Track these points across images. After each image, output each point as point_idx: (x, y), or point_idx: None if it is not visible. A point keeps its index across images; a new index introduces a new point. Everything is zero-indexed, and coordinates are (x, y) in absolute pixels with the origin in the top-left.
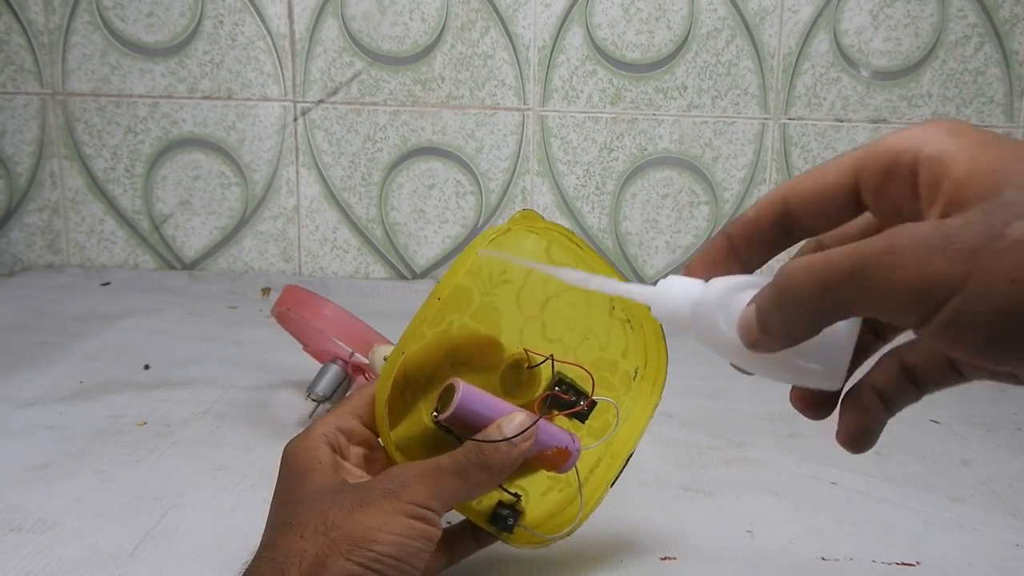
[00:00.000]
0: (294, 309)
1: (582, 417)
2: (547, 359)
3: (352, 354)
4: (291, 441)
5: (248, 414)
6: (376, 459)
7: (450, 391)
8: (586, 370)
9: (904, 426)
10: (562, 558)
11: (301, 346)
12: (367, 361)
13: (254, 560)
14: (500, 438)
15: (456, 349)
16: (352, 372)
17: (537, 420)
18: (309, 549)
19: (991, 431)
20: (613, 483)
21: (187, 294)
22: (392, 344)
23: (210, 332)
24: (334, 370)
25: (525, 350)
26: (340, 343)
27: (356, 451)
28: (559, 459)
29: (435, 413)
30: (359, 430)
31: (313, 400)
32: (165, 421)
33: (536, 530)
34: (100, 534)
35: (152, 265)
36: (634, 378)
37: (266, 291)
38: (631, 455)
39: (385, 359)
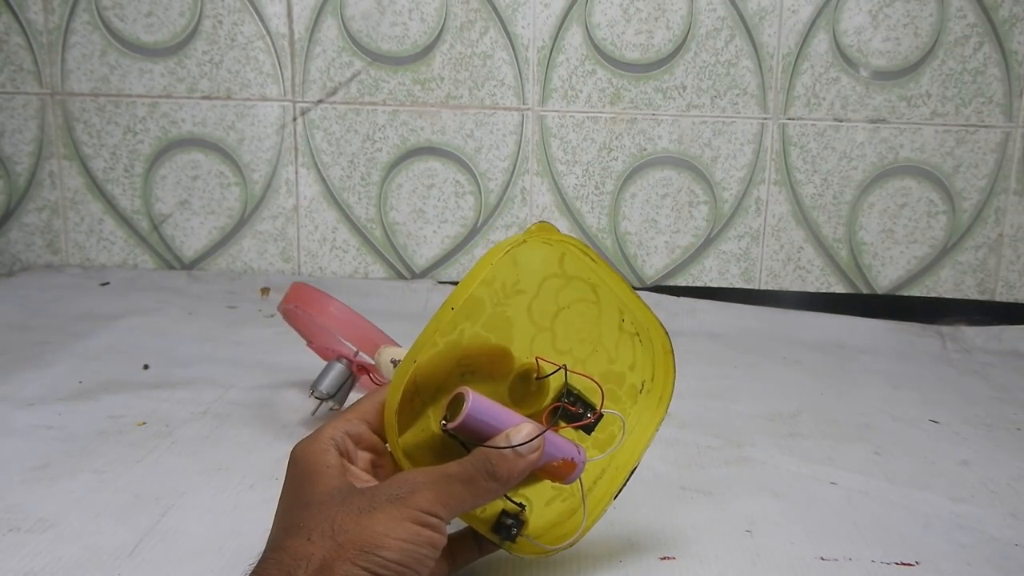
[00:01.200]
0: (301, 307)
1: (588, 429)
2: (559, 369)
3: (357, 353)
4: (299, 444)
5: (248, 414)
6: (383, 464)
7: (459, 400)
8: (596, 382)
9: (904, 426)
10: (562, 558)
11: (305, 343)
12: (372, 361)
13: (261, 561)
14: (508, 448)
15: (466, 358)
16: (357, 371)
17: (544, 431)
18: (316, 553)
19: (991, 431)
20: (616, 495)
21: (186, 294)
22: (397, 345)
23: (210, 332)
24: (338, 368)
25: (537, 358)
26: (345, 342)
27: (363, 456)
28: (564, 470)
29: (444, 421)
30: (367, 435)
31: (317, 398)
32: (165, 421)
33: (538, 540)
34: (100, 534)
35: (151, 265)
36: (640, 391)
37: (265, 291)
38: (635, 468)
39: (392, 361)
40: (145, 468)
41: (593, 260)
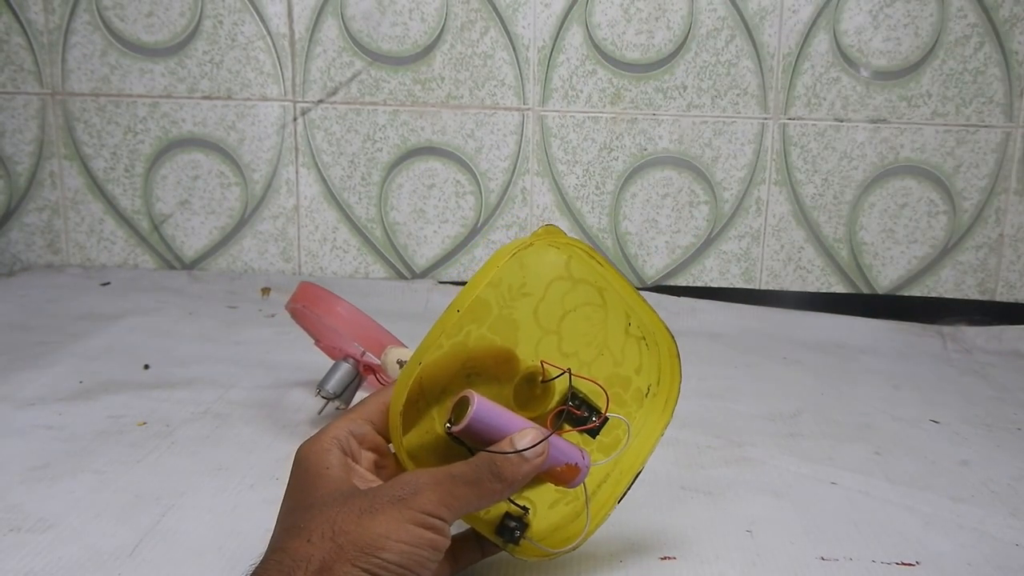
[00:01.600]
0: (308, 306)
1: (593, 433)
2: (564, 372)
3: (364, 353)
4: (303, 444)
5: (248, 414)
6: (386, 465)
7: (464, 403)
8: (601, 387)
9: (904, 426)
10: (563, 558)
11: (313, 341)
12: (379, 362)
13: (261, 563)
14: (513, 451)
15: (472, 360)
16: (363, 371)
17: (549, 436)
18: (316, 554)
19: (991, 431)
20: (620, 499)
21: (187, 294)
22: (403, 346)
23: (210, 332)
24: (345, 368)
25: (542, 362)
26: (353, 342)
27: (367, 456)
28: (568, 474)
29: (448, 424)
30: (371, 435)
31: (323, 397)
32: (165, 421)
33: (541, 543)
34: (100, 534)
35: (152, 265)
36: (646, 395)
37: (266, 291)
38: (640, 472)
39: (398, 362)
40: (145, 468)
41: (600, 263)
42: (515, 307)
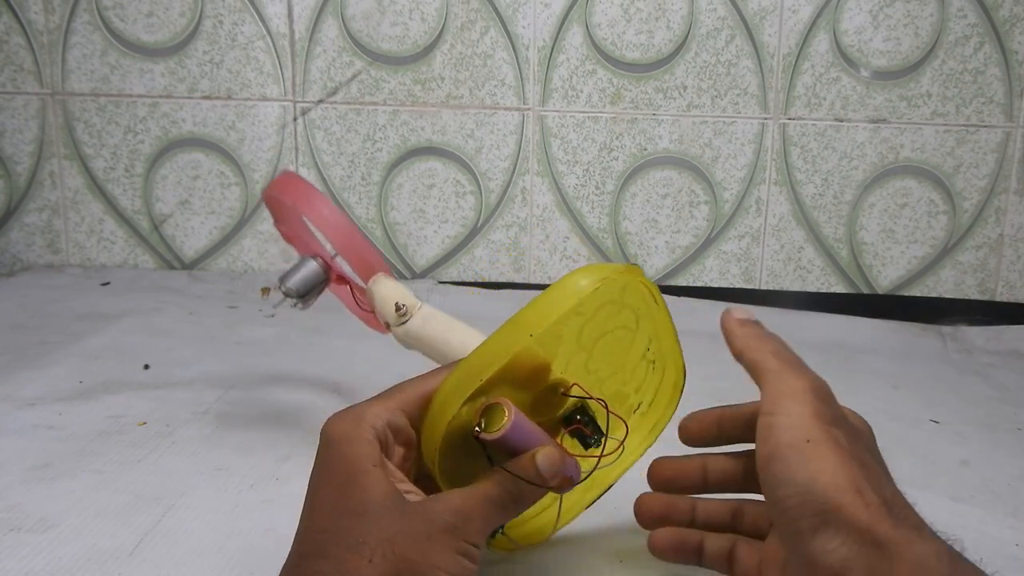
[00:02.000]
0: (288, 198)
1: (585, 446)
2: (588, 399)
3: (335, 256)
4: (336, 423)
5: (248, 414)
6: (409, 458)
7: (499, 412)
8: (621, 418)
9: (904, 426)
10: (560, 557)
11: (273, 221)
12: (357, 279)
13: (304, 569)
14: (535, 475)
15: (511, 365)
16: (335, 280)
17: (582, 480)
18: None
19: (991, 431)
20: (589, 505)
21: (187, 294)
22: (393, 278)
23: (210, 332)
24: (312, 267)
25: (575, 384)
26: (325, 244)
27: (398, 451)
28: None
29: (477, 428)
30: (406, 429)
31: (284, 293)
32: (165, 421)
33: (508, 532)
34: (100, 534)
35: (152, 265)
36: (635, 411)
37: (266, 291)
38: (612, 485)
39: (397, 306)
40: (145, 468)
41: (655, 301)
42: (566, 324)
